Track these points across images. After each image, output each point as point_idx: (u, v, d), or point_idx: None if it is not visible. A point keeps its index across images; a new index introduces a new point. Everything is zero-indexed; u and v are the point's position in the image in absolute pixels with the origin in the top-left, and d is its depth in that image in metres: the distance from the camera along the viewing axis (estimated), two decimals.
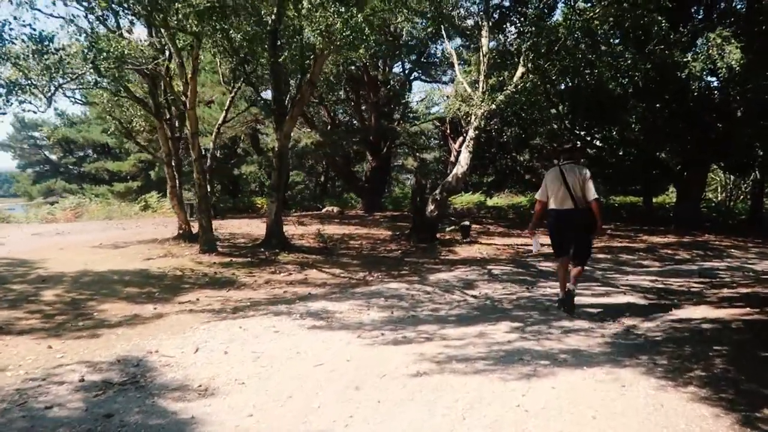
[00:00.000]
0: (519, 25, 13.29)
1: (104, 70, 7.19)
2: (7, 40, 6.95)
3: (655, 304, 6.02)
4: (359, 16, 7.07)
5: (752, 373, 3.77)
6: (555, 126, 18.78)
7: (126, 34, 9.32)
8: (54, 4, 7.75)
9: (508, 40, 14.26)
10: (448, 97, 13.06)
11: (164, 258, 8.72)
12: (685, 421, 3.08)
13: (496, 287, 7.14)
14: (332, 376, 3.80)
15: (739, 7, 14.47)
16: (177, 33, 7.99)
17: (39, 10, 8.44)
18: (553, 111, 17.37)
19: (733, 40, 9.84)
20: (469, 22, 15.90)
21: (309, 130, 17.87)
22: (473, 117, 11.78)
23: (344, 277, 7.94)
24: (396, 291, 6.75)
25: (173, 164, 10.28)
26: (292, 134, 16.61)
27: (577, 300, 6.08)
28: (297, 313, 5.49)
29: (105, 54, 6.81)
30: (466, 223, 14.04)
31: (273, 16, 8.75)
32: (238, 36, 8.22)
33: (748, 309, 5.55)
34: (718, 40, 9.97)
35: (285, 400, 3.38)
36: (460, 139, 17.25)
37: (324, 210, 19.61)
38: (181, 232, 10.54)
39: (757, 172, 18.77)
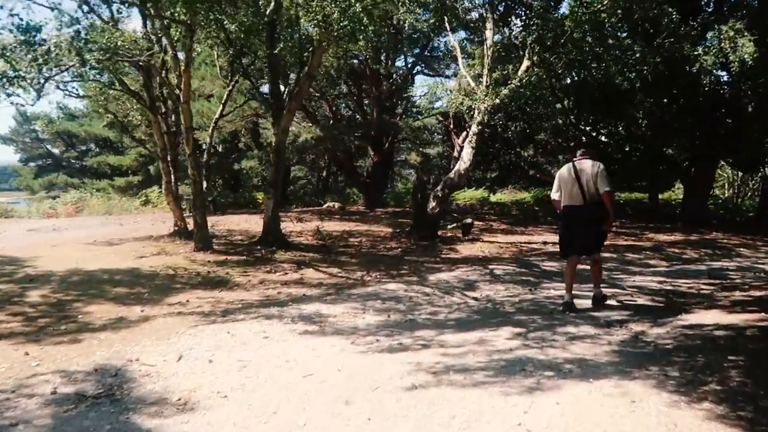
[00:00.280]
0: (525, 17, 12.97)
1: (93, 62, 6.94)
2: None
3: (664, 308, 5.76)
4: (357, 5, 6.80)
5: None
6: (560, 121, 18.46)
7: (121, 26, 9.12)
8: None
9: (513, 33, 13.95)
10: (450, 91, 12.73)
11: (158, 256, 8.51)
12: None
13: (497, 288, 6.89)
14: (321, 387, 3.56)
15: None
16: (171, 24, 7.73)
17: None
18: (559, 106, 17.05)
19: (746, 33, 9.50)
20: (474, 14, 15.57)
21: (310, 124, 17.59)
22: (476, 112, 11.49)
23: (341, 276, 7.70)
24: (394, 292, 6.51)
25: (169, 159, 10.05)
26: (292, 129, 16.40)
27: (582, 303, 5.85)
28: (289, 317, 5.25)
29: (91, 45, 6.55)
30: (468, 220, 13.76)
31: (271, 6, 8.49)
32: (233, 27, 7.96)
33: (762, 314, 5.28)
34: (731, 33, 9.64)
35: (269, 416, 3.15)
36: (464, 134, 16.95)
37: (325, 206, 19.37)
38: (176, 228, 10.32)
39: (766, 168, 18.42)
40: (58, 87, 9.13)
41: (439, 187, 11.61)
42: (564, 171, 5.54)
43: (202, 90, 17.79)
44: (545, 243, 11.78)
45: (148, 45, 8.63)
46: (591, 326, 5.03)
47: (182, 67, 7.79)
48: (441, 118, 24.33)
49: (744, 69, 9.92)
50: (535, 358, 4.12)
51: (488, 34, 11.63)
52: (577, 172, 5.36)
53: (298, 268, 8.13)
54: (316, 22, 7.31)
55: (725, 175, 24.92)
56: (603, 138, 18.86)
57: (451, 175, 11.65)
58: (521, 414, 3.15)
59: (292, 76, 11.27)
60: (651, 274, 8.08)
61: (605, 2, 10.29)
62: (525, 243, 11.75)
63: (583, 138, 19.56)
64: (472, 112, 12.26)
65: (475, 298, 6.33)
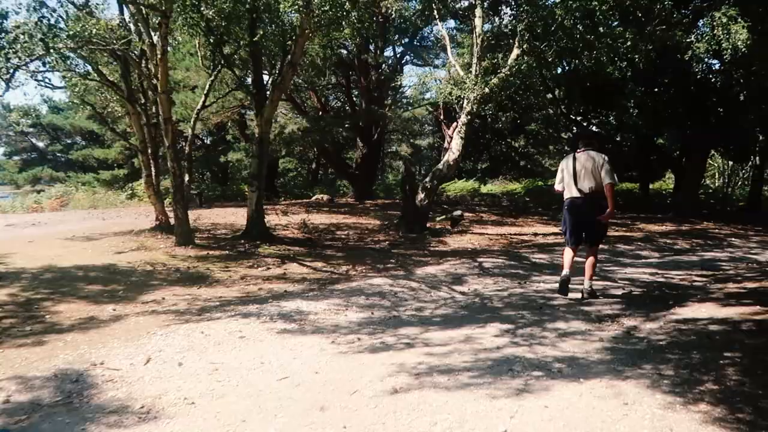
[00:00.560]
0: (514, 5, 12.71)
1: (62, 50, 6.62)
2: None
3: (656, 301, 5.58)
4: None
5: None
6: (551, 111, 18.29)
7: (102, 15, 8.79)
8: None
9: (504, 22, 13.69)
10: (439, 80, 12.48)
11: (136, 251, 8.23)
12: None
13: (486, 282, 6.69)
14: (296, 393, 3.34)
15: None
16: (145, 9, 7.41)
17: None
18: (549, 96, 16.87)
19: (739, 20, 9.31)
20: (463, 2, 15.30)
21: (297, 115, 17.27)
22: (465, 101, 11.26)
23: (326, 271, 7.47)
24: (379, 288, 6.28)
25: (149, 152, 9.74)
26: (279, 120, 16.11)
27: (572, 297, 5.68)
28: (268, 315, 5.02)
29: (56, 31, 6.23)
30: (458, 212, 13.58)
31: None
32: (210, 13, 7.64)
33: (758, 307, 5.12)
34: (724, 20, 9.44)
35: (237, 425, 2.92)
36: (454, 124, 16.72)
37: (314, 198, 19.12)
38: (158, 223, 10.04)
39: (756, 158, 18.36)
40: (34, 78, 8.83)
41: (427, 179, 11.39)
42: (566, 162, 5.54)
43: (187, 81, 17.42)
44: (536, 234, 11.62)
45: (123, 33, 8.30)
46: (582, 321, 4.85)
47: (159, 56, 7.49)
48: (431, 109, 24.12)
49: (736, 57, 9.73)
50: (523, 357, 3.92)
51: (477, 22, 11.37)
52: (579, 163, 5.37)
53: (281, 263, 7.90)
54: (297, 7, 7.02)
55: (715, 165, 24.92)
56: (594, 128, 18.71)
57: (440, 166, 11.43)
58: (507, 419, 2.95)
59: (278, 65, 10.97)
60: (643, 266, 7.93)
61: None
62: (515, 234, 11.58)
63: (575, 128, 19.43)
64: (461, 102, 12.03)
65: (463, 293, 6.14)
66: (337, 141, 20.29)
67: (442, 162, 11.51)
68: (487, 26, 14.08)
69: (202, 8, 7.47)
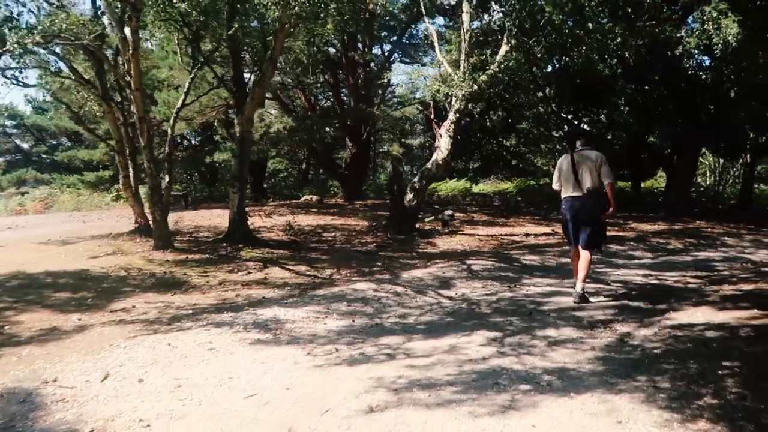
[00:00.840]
0: (504, 1, 12.47)
1: (22, 44, 6.29)
2: None
3: (650, 305, 5.35)
4: None
5: None
6: (542, 109, 18.09)
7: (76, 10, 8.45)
8: None
9: (493, 19, 13.46)
10: (426, 78, 12.23)
11: (112, 256, 7.92)
12: None
13: (474, 286, 6.44)
14: (262, 412, 3.07)
15: None
16: (114, 2, 7.10)
17: None
18: (540, 94, 16.66)
19: (730, 14, 9.14)
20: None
21: (284, 114, 16.96)
22: (454, 99, 11.01)
23: (309, 275, 7.20)
24: (362, 293, 6.01)
25: (127, 152, 9.42)
26: (265, 119, 15.81)
27: (564, 302, 5.45)
28: (242, 324, 4.74)
29: (17, 24, 5.91)
30: (449, 212, 13.36)
31: None
32: (184, 6, 7.31)
33: (755, 311, 4.90)
34: (714, 14, 9.27)
35: None
36: (445, 123, 16.47)
37: (303, 199, 18.82)
38: (137, 226, 9.72)
39: (747, 156, 18.27)
40: (4, 75, 8.50)
41: (416, 179, 11.14)
42: (563, 161, 5.48)
43: (171, 80, 17.05)
44: (527, 235, 11.41)
45: (96, 28, 7.98)
46: (573, 328, 4.61)
47: (130, 51, 7.17)
48: (421, 108, 23.87)
49: (727, 52, 9.56)
50: (510, 369, 3.67)
51: (465, 18, 11.14)
52: (576, 162, 5.29)
53: (263, 267, 7.62)
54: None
55: (706, 163, 24.85)
56: (585, 126, 18.52)
57: (429, 165, 11.19)
58: None
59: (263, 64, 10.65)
60: (636, 267, 7.73)
61: None
62: (506, 235, 11.36)
63: (566, 126, 19.26)
64: (450, 100, 11.79)
65: (450, 298, 5.89)
66: (325, 140, 19.99)
67: (430, 161, 11.26)
68: (476, 23, 13.86)
69: (174, 1, 7.15)
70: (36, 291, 5.97)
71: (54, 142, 36.00)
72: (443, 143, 11.03)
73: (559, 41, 10.70)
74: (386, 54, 20.33)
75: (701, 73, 14.50)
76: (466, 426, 2.87)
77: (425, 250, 9.29)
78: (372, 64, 18.56)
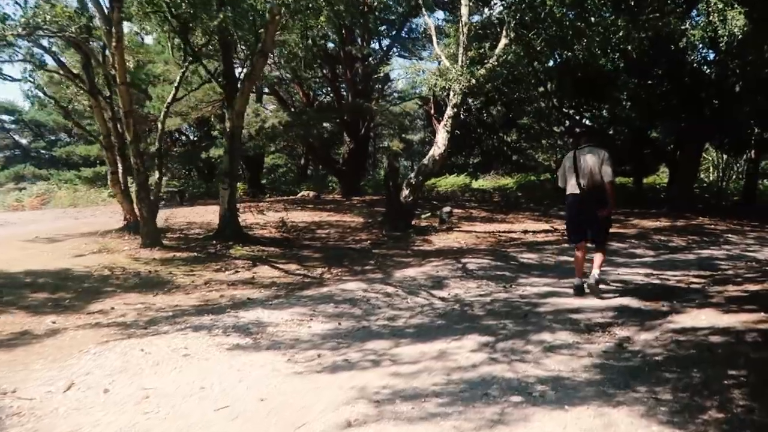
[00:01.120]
0: None
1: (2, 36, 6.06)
2: None
3: (652, 307, 5.12)
4: None
5: None
6: (543, 104, 17.83)
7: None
8: None
9: (493, 13, 13.18)
10: (423, 71, 11.96)
11: (97, 254, 7.72)
12: None
13: (468, 286, 6.21)
14: (232, 427, 2.85)
15: None
16: None
17: None
18: (541, 89, 16.39)
19: (736, 5, 8.85)
20: None
21: (278, 109, 16.70)
22: (452, 93, 10.76)
23: (298, 274, 6.97)
24: (351, 293, 5.78)
25: (116, 147, 9.20)
26: (260, 114, 15.56)
27: (562, 303, 5.22)
28: (221, 327, 4.51)
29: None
30: (447, 209, 13.13)
31: None
32: None
33: (762, 314, 4.66)
34: (720, 5, 8.98)
35: None
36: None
37: (300, 195, 18.60)
38: (126, 223, 9.51)
39: (752, 151, 17.98)
40: None
41: (412, 174, 10.90)
42: (567, 159, 5.53)
43: (167, 75, 16.81)
44: (526, 232, 11.16)
45: (83, 21, 7.73)
46: (569, 332, 4.38)
47: (114, 43, 6.93)
48: (421, 103, 23.59)
49: (733, 45, 9.28)
50: (501, 378, 3.45)
51: (463, 11, 10.87)
52: (579, 160, 5.33)
53: (252, 266, 7.39)
54: None
55: (710, 159, 24.56)
56: (586, 121, 18.27)
57: (425, 161, 10.95)
58: None
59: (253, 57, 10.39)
60: (637, 266, 7.48)
61: None
62: (505, 232, 11.12)
63: (567, 121, 18.99)
64: (448, 95, 11.53)
65: (443, 299, 5.65)
66: (323, 136, 19.73)
67: (427, 157, 11.02)
68: (476, 17, 13.60)
69: None
70: (13, 292, 5.75)
71: (53, 138, 35.84)
72: (440, 138, 10.79)
73: (559, 34, 10.43)
74: (385, 49, 20.05)
75: (705, 67, 14.21)
76: None
77: (420, 248, 9.06)
78: (370, 59, 18.26)
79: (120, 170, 9.20)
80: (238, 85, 8.67)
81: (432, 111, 20.61)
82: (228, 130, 8.61)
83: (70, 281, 6.26)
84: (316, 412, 3.02)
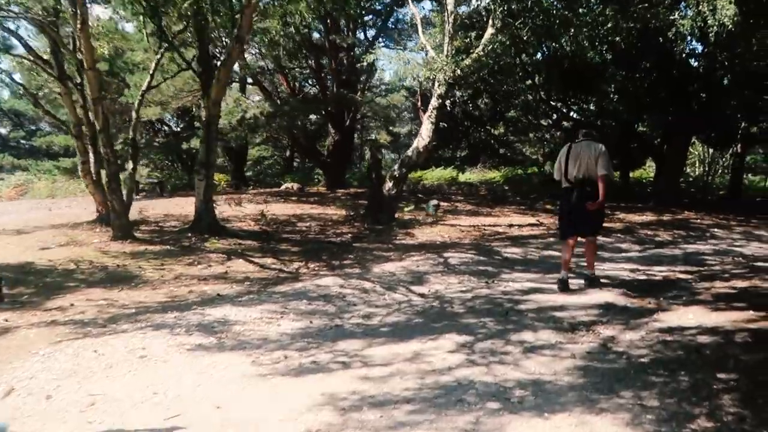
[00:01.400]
0: None
1: None
2: None
3: (638, 304, 4.93)
4: None
5: None
6: (530, 97, 17.61)
7: None
8: None
9: (481, 5, 12.93)
10: (409, 61, 11.68)
11: (65, 247, 7.39)
12: None
13: (449, 282, 5.99)
14: None
15: None
16: None
17: None
18: (529, 82, 16.18)
19: None
20: None
21: (262, 100, 16.34)
22: (436, 83, 10.50)
23: (274, 269, 6.70)
24: (326, 289, 5.53)
25: (87, 136, 8.84)
26: (241, 104, 15.19)
27: (545, 300, 5.02)
28: (184, 326, 4.24)
29: None
30: (434, 202, 12.94)
31: None
32: None
33: (751, 312, 4.50)
34: None
35: None
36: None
37: (283, 187, 18.25)
38: (98, 214, 9.17)
39: (738, 145, 17.94)
40: None
41: (396, 167, 10.65)
42: (563, 152, 5.51)
43: (147, 63, 16.35)
44: (511, 225, 10.97)
45: (50, 3, 7.36)
46: (552, 331, 4.17)
47: (79, 26, 6.58)
48: (408, 96, 23.29)
49: (723, 36, 9.10)
50: (478, 382, 3.23)
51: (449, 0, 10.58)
52: (574, 153, 5.33)
53: (226, 259, 7.11)
54: None
55: (696, 153, 24.55)
56: (573, 114, 18.13)
57: (409, 153, 10.70)
58: None
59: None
60: (623, 261, 7.31)
61: None
62: (489, 226, 10.91)
63: (555, 115, 18.82)
64: (433, 85, 11.27)
65: (422, 295, 5.42)
66: (307, 127, 19.37)
67: (411, 149, 10.76)
68: (463, 8, 13.32)
69: None
70: None
71: (33, 128, 35.01)
72: (424, 130, 10.53)
73: (546, 23, 10.20)
74: (371, 39, 19.68)
75: (694, 60, 14.09)
76: None
77: (402, 242, 8.82)
78: (356, 49, 17.91)
79: (91, 160, 8.85)
80: (215, 73, 8.33)
81: (419, 104, 20.35)
82: (204, 119, 8.29)
83: (32, 276, 5.95)
84: (275, 421, 2.78)
